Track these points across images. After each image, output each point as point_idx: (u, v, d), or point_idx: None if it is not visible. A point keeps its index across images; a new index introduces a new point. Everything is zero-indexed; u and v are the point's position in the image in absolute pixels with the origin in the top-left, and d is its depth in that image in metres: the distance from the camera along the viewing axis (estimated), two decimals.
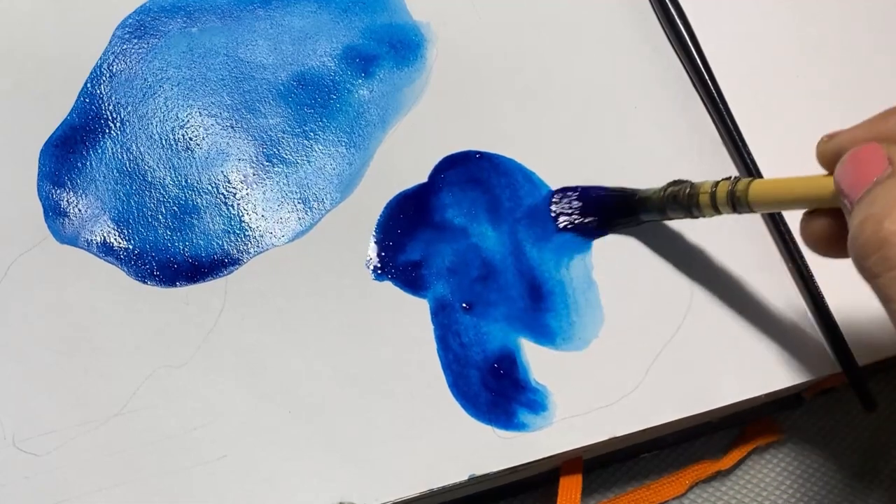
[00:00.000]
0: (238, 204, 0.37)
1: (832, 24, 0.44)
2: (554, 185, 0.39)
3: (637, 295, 0.37)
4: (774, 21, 0.44)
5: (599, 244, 0.38)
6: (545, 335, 0.36)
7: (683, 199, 0.34)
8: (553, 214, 0.38)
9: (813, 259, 0.38)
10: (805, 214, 0.32)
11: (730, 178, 0.33)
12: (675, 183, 0.35)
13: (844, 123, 0.41)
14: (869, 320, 0.37)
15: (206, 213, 0.37)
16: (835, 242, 0.30)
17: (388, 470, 0.33)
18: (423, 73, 0.40)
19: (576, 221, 0.38)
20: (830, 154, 0.30)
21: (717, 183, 0.33)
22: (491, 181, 0.39)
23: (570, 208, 0.38)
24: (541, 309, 0.36)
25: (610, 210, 0.38)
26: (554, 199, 0.38)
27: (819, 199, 0.30)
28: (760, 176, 0.39)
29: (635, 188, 0.37)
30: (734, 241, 0.39)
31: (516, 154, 0.39)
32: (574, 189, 0.38)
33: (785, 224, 0.38)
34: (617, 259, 0.38)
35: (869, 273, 0.26)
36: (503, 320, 0.36)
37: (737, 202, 0.32)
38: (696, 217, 0.34)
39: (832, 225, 0.30)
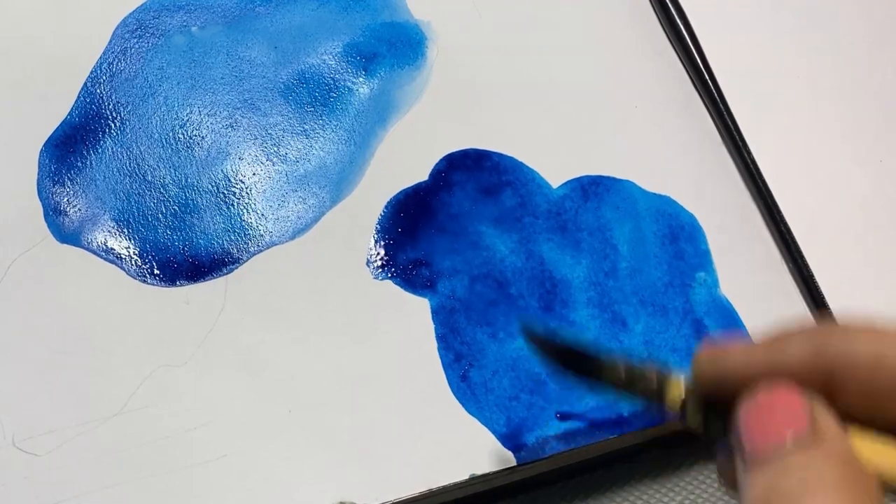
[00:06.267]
0: (238, 203, 0.37)
1: (832, 24, 0.44)
2: (554, 183, 0.39)
3: None
4: (774, 21, 0.44)
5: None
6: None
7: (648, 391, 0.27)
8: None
9: (813, 259, 0.38)
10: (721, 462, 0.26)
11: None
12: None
13: (844, 123, 0.41)
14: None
15: (206, 212, 0.37)
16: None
17: (388, 470, 0.33)
18: (423, 71, 0.40)
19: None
20: (711, 377, 0.24)
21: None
22: (491, 180, 0.39)
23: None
24: (554, 305, 0.36)
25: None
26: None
27: None
28: (758, 171, 0.39)
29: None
30: (734, 242, 0.39)
31: (517, 153, 0.39)
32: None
33: (786, 224, 0.38)
34: None
35: None
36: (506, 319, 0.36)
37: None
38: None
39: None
